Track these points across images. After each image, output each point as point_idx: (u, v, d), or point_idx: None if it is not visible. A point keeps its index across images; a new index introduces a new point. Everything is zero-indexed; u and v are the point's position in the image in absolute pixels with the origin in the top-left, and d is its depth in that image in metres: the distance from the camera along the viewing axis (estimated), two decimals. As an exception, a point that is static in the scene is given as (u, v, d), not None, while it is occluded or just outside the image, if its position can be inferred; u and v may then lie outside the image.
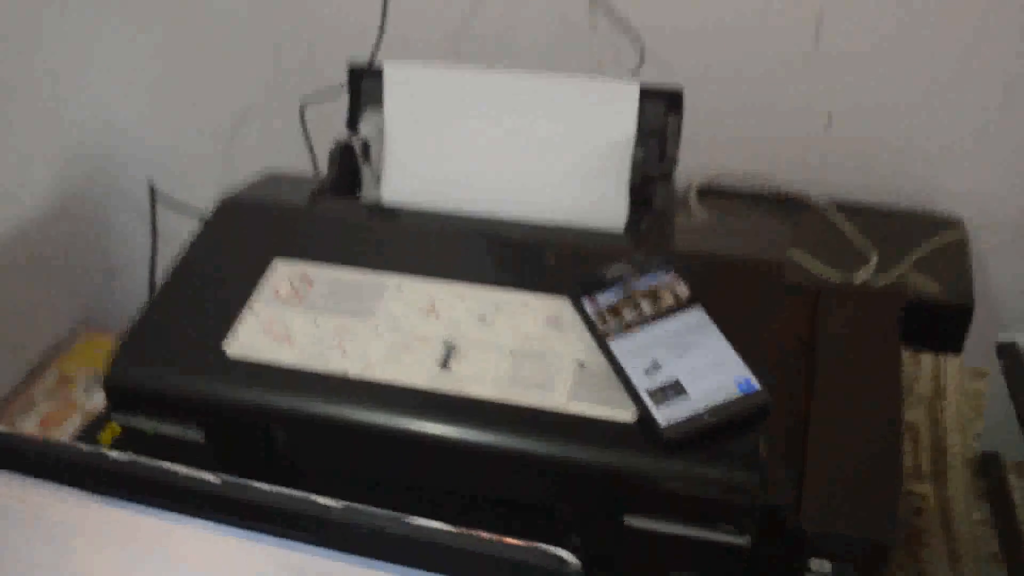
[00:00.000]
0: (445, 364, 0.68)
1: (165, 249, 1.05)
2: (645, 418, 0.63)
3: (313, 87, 0.99)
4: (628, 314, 0.68)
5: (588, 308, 0.69)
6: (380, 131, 0.84)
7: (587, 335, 0.68)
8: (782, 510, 0.63)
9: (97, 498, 0.51)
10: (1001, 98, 1.09)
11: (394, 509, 0.73)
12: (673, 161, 0.80)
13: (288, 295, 0.74)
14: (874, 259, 1.20)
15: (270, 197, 0.84)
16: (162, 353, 0.72)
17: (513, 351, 0.68)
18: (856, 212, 1.28)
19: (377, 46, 0.98)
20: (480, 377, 0.67)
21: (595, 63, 1.05)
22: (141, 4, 1.15)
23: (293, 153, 1.08)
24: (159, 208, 1.19)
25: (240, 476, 0.75)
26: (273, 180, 0.89)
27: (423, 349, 0.69)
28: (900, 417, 0.67)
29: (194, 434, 0.71)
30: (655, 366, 0.65)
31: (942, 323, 1.14)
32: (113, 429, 1.01)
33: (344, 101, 0.87)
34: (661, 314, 0.68)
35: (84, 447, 0.51)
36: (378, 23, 0.99)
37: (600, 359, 0.67)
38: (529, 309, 0.71)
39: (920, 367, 0.83)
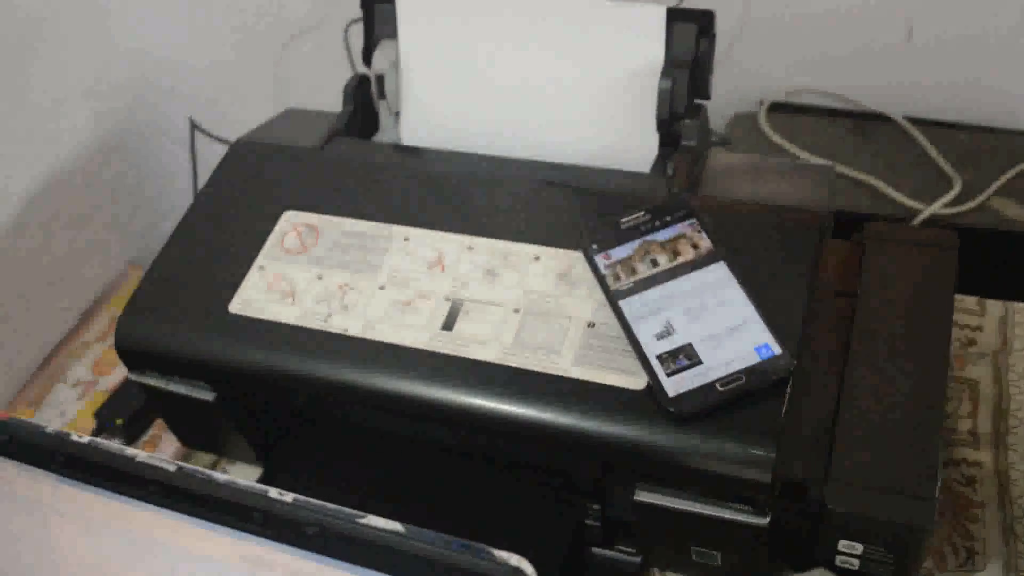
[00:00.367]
0: (447, 325, 0.64)
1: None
2: (654, 387, 0.58)
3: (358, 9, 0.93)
4: (643, 270, 0.62)
5: (600, 262, 0.63)
6: (395, 64, 0.80)
7: (599, 292, 0.63)
8: (806, 485, 0.58)
9: (61, 479, 0.49)
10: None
11: (411, 466, 0.71)
12: (706, 93, 0.73)
13: (295, 247, 0.71)
14: (958, 185, 1.11)
15: (283, 139, 0.80)
16: (168, 310, 0.70)
17: (520, 309, 0.64)
18: (939, 131, 1.17)
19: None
20: (483, 339, 0.63)
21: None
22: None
23: (339, 83, 1.03)
24: (202, 143, 1.17)
25: (255, 433, 0.75)
26: (293, 117, 0.86)
27: (426, 307, 0.65)
28: (944, 381, 0.61)
29: (205, 393, 0.70)
30: (668, 329, 0.60)
31: (1030, 254, 1.05)
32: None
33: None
34: (679, 270, 0.62)
35: (48, 429, 0.50)
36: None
37: (612, 319, 0.62)
38: (540, 263, 0.66)
39: (986, 315, 0.75)
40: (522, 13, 0.75)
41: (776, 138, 1.21)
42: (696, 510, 0.59)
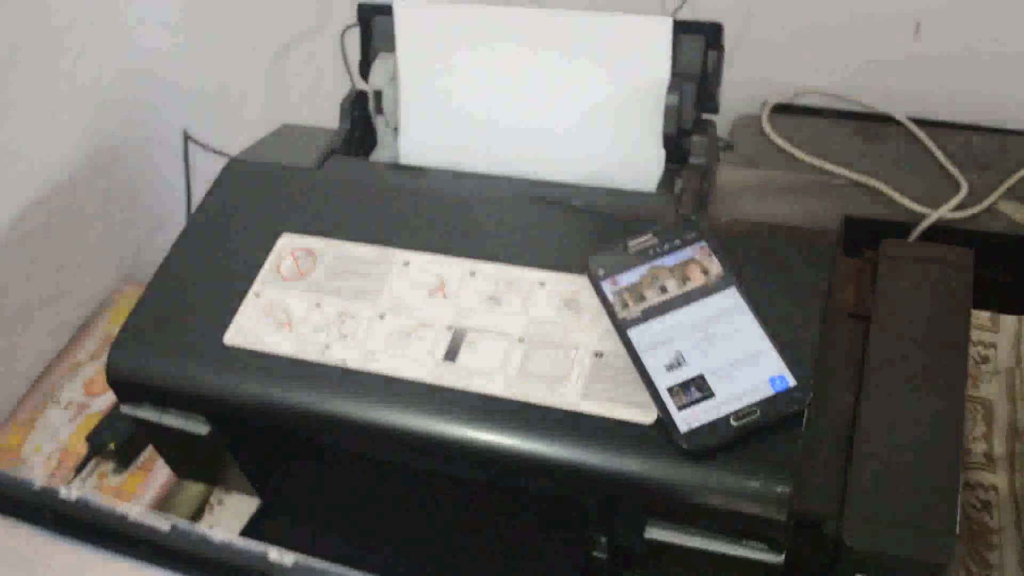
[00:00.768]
0: (450, 355, 0.62)
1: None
2: (665, 421, 0.56)
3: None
4: (651, 296, 0.60)
5: (607, 289, 0.61)
6: (394, 78, 0.77)
7: (606, 319, 0.61)
8: (822, 521, 0.56)
9: (49, 535, 0.47)
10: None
11: (412, 498, 0.69)
12: (714, 107, 0.71)
13: (292, 273, 0.69)
14: (964, 188, 1.09)
15: (279, 158, 0.78)
16: (162, 340, 0.68)
17: (525, 339, 0.62)
18: (945, 133, 1.15)
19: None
20: (487, 370, 0.61)
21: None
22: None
23: (335, 91, 1.01)
24: (198, 155, 1.14)
25: (251, 466, 0.73)
26: (288, 134, 0.83)
27: (428, 337, 0.63)
28: (962, 410, 0.59)
29: (199, 426, 0.68)
30: (678, 360, 0.58)
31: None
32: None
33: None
34: (689, 297, 0.60)
35: (36, 484, 0.48)
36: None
37: (620, 348, 0.60)
38: (545, 288, 0.64)
39: (1000, 331, 0.73)
40: (525, 26, 0.72)
41: (779, 140, 1.19)
42: (709, 547, 0.57)
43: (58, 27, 1.00)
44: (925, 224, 1.07)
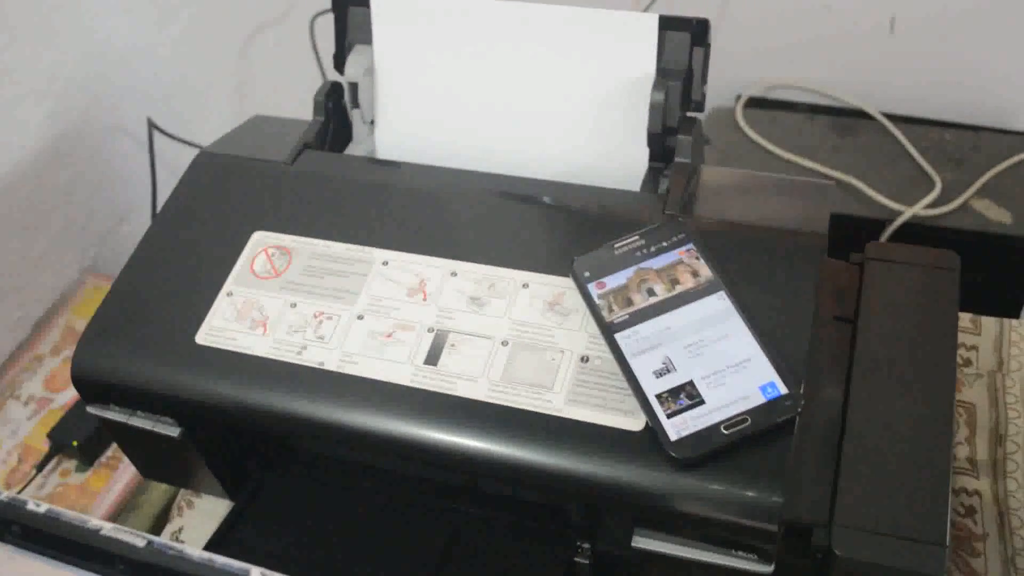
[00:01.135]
0: (431, 359, 0.60)
1: (170, 188, 0.98)
2: (654, 429, 0.55)
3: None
4: (639, 300, 0.59)
5: (593, 292, 0.60)
6: (370, 71, 0.75)
7: (592, 323, 0.60)
8: (811, 530, 0.55)
9: (16, 550, 0.45)
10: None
11: (389, 502, 0.68)
12: (699, 105, 0.69)
13: (266, 272, 0.67)
14: (938, 185, 1.09)
15: (251, 151, 0.75)
16: (130, 340, 0.65)
17: (508, 342, 0.60)
18: (920, 129, 1.15)
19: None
20: (470, 374, 0.59)
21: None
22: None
23: (304, 79, 0.98)
24: (163, 144, 1.11)
25: (224, 469, 0.71)
26: (260, 125, 0.81)
27: (408, 339, 0.61)
28: (952, 416, 0.58)
29: (169, 428, 0.66)
30: (667, 366, 0.56)
31: (1014, 260, 1.03)
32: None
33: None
34: (677, 300, 0.59)
35: (3, 496, 0.45)
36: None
37: (607, 353, 0.58)
38: (528, 290, 0.63)
39: (981, 334, 0.73)
40: (506, 20, 0.71)
41: (753, 134, 1.19)
42: (697, 557, 0.56)
43: (17, 11, 0.96)
44: (899, 221, 1.07)
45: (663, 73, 0.68)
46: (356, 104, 0.76)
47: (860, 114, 1.19)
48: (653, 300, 0.59)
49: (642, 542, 0.56)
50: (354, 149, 0.77)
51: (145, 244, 0.70)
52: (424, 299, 0.63)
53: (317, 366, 0.61)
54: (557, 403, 0.57)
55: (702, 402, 0.55)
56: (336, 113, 0.77)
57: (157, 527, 0.88)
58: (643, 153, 0.70)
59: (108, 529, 0.43)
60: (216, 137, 0.77)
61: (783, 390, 0.55)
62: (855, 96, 1.19)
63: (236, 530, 0.68)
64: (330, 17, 0.77)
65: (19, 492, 0.89)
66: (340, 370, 0.61)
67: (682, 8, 0.70)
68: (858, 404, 0.60)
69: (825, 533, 0.55)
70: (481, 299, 0.63)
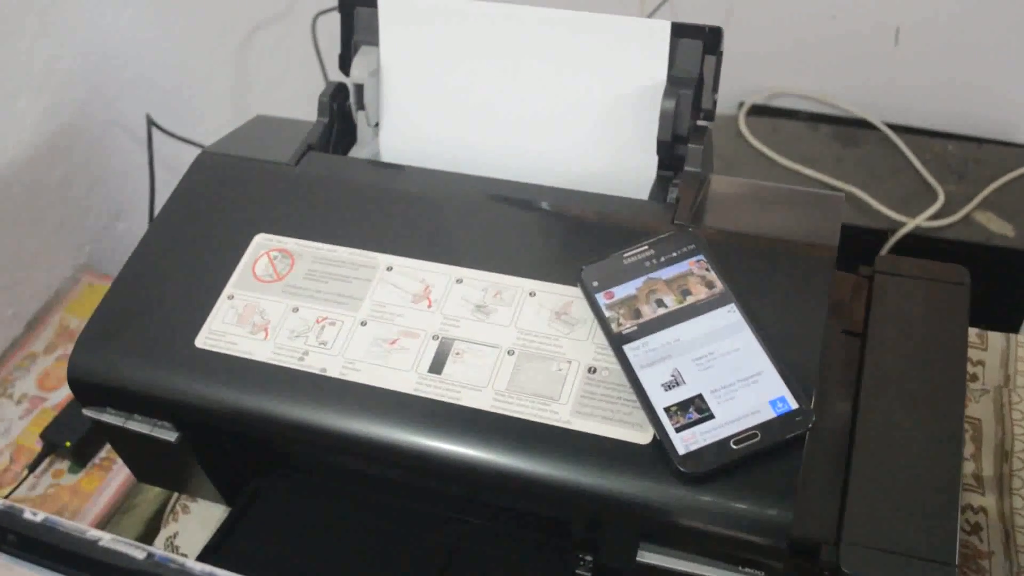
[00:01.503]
0: (435, 367, 0.59)
1: (168, 186, 0.97)
2: (662, 443, 0.54)
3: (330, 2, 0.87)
4: (648, 312, 0.58)
5: (601, 302, 0.59)
6: (377, 73, 0.74)
7: (600, 333, 0.59)
8: (819, 548, 0.55)
9: (11, 560, 0.44)
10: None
11: (389, 511, 0.67)
12: (710, 114, 0.69)
13: (268, 275, 0.66)
14: (941, 197, 1.08)
15: (253, 152, 0.74)
16: (128, 342, 0.64)
17: (514, 351, 0.59)
18: (923, 140, 1.15)
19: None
20: (475, 383, 0.58)
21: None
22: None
23: (305, 78, 0.97)
24: (160, 141, 1.10)
25: (221, 475, 0.70)
26: (263, 125, 0.80)
27: (412, 347, 0.61)
28: (961, 432, 0.57)
29: (167, 433, 0.65)
30: (676, 379, 0.56)
31: (1016, 273, 1.03)
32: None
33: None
34: (687, 312, 0.58)
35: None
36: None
37: (614, 364, 0.58)
38: (536, 299, 0.62)
39: (988, 349, 0.73)
40: (515, 24, 0.70)
41: (755, 142, 1.18)
42: (703, 573, 0.55)
43: (13, 3, 0.95)
44: (902, 232, 1.07)
45: (673, 81, 0.67)
46: (361, 106, 0.75)
47: (863, 124, 1.19)
48: (662, 311, 0.58)
49: (648, 557, 0.56)
50: (358, 151, 0.76)
51: (145, 244, 0.69)
52: (429, 306, 0.62)
53: (319, 372, 0.60)
54: (563, 414, 0.57)
55: (711, 416, 0.54)
56: (340, 114, 0.76)
57: (151, 530, 0.87)
58: (652, 161, 0.69)
59: (107, 540, 0.42)
60: (215, 135, 0.76)
61: (794, 405, 0.54)
62: (858, 106, 1.19)
63: (232, 537, 0.67)
64: (332, 16, 0.76)
65: (10, 493, 0.88)
66: (342, 377, 0.60)
67: (686, 13, 0.70)
68: (867, 420, 0.59)
69: (833, 551, 0.54)
70: (487, 307, 0.62)
